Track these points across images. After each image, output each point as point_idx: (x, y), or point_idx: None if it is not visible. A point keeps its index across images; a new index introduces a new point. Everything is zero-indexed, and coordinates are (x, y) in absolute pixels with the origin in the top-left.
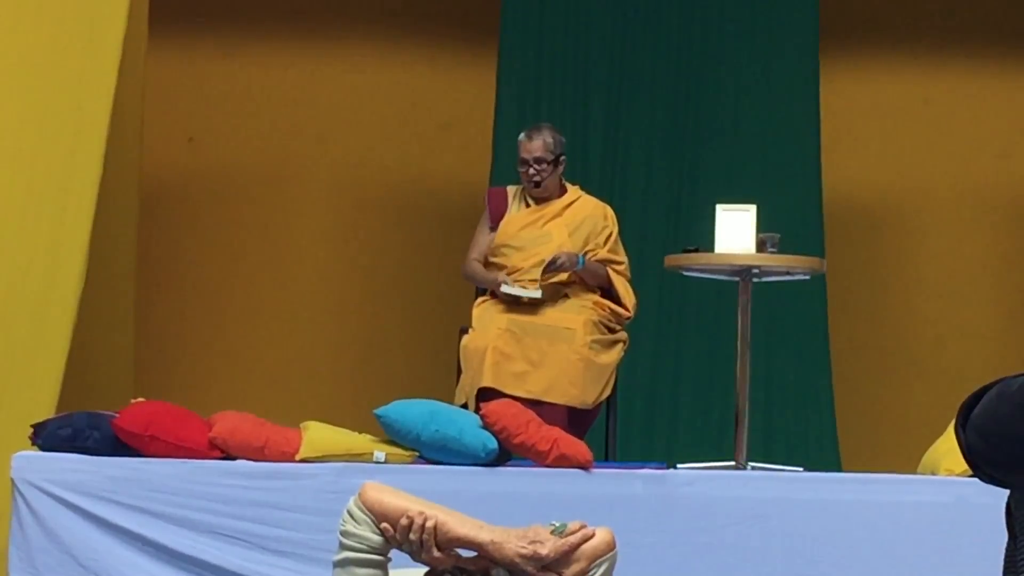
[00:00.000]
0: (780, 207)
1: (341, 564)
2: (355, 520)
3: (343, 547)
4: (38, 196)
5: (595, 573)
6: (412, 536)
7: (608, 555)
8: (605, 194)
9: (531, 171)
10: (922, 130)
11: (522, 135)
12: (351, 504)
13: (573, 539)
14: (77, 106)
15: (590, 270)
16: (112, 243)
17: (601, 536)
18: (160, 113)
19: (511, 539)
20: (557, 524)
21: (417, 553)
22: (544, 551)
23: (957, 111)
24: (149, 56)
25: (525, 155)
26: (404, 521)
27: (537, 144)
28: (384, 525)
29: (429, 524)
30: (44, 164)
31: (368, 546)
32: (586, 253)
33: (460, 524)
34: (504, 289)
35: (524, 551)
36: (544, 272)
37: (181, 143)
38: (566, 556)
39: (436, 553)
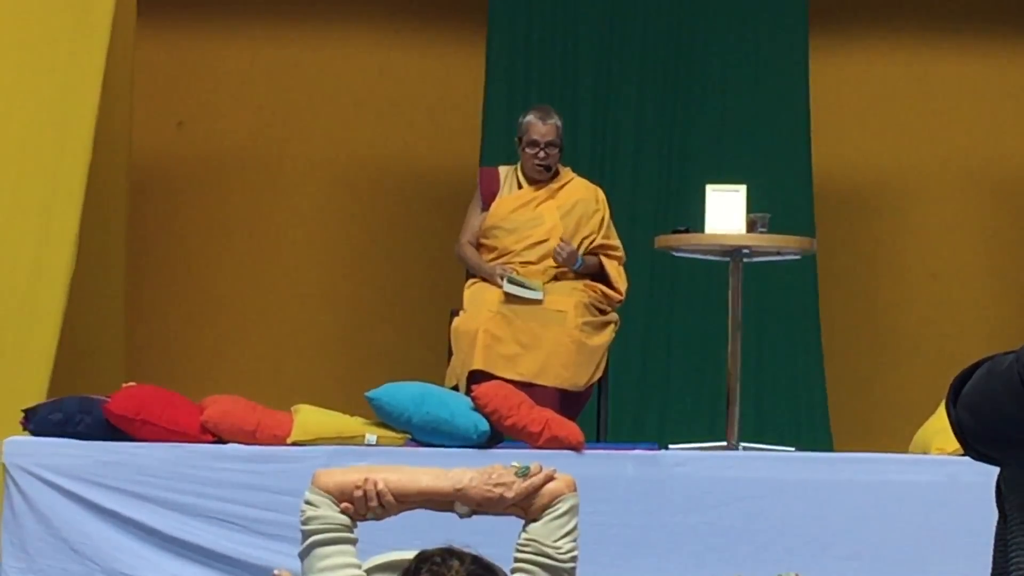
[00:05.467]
0: (770, 187)
1: (305, 551)
2: (314, 505)
3: (306, 535)
4: (27, 181)
5: (560, 507)
6: (371, 504)
7: (569, 493)
8: (595, 175)
9: (542, 154)
10: (912, 109)
11: (531, 116)
12: (307, 494)
13: (536, 480)
14: (66, 91)
15: (586, 266)
16: (102, 227)
17: (562, 477)
18: (149, 98)
19: (476, 484)
20: (519, 465)
21: (381, 516)
22: (510, 495)
23: (947, 90)
24: (138, 40)
25: (537, 137)
26: (358, 493)
27: (550, 127)
28: (344, 505)
29: (380, 487)
30: (33, 149)
31: (333, 524)
32: (582, 242)
33: (416, 479)
34: (507, 288)
35: (491, 495)
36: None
37: (171, 127)
38: (530, 496)
39: (398, 508)
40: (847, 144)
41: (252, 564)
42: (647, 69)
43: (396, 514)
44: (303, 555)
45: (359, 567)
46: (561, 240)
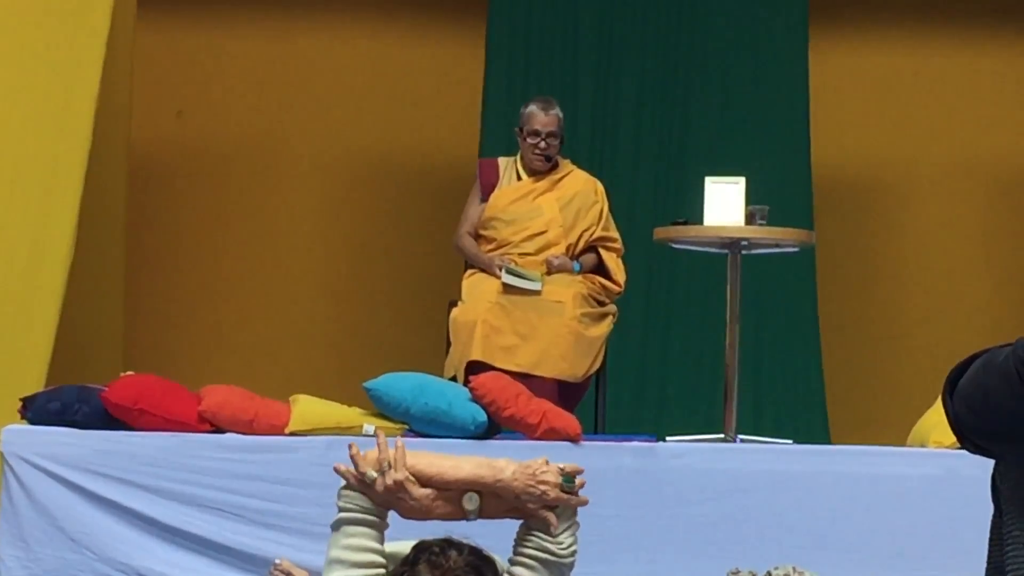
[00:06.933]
0: (769, 179)
1: (334, 526)
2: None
3: (338, 510)
4: (27, 170)
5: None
6: (389, 482)
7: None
8: (594, 167)
9: (543, 144)
10: (911, 102)
11: (533, 106)
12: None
13: (573, 501)
14: (65, 79)
15: (585, 267)
16: (101, 217)
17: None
18: (149, 87)
19: (518, 477)
20: (565, 473)
21: (389, 489)
22: (551, 495)
23: (946, 83)
24: (138, 30)
25: (538, 127)
26: (371, 454)
27: (552, 118)
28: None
29: (400, 442)
30: (33, 138)
31: (361, 505)
32: (581, 235)
33: (456, 467)
34: (505, 279)
35: (533, 490)
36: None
37: (170, 117)
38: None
39: (417, 491)
40: (846, 137)
41: (249, 553)
42: (647, 61)
43: (408, 486)
44: (332, 528)
45: (380, 553)
46: (551, 256)
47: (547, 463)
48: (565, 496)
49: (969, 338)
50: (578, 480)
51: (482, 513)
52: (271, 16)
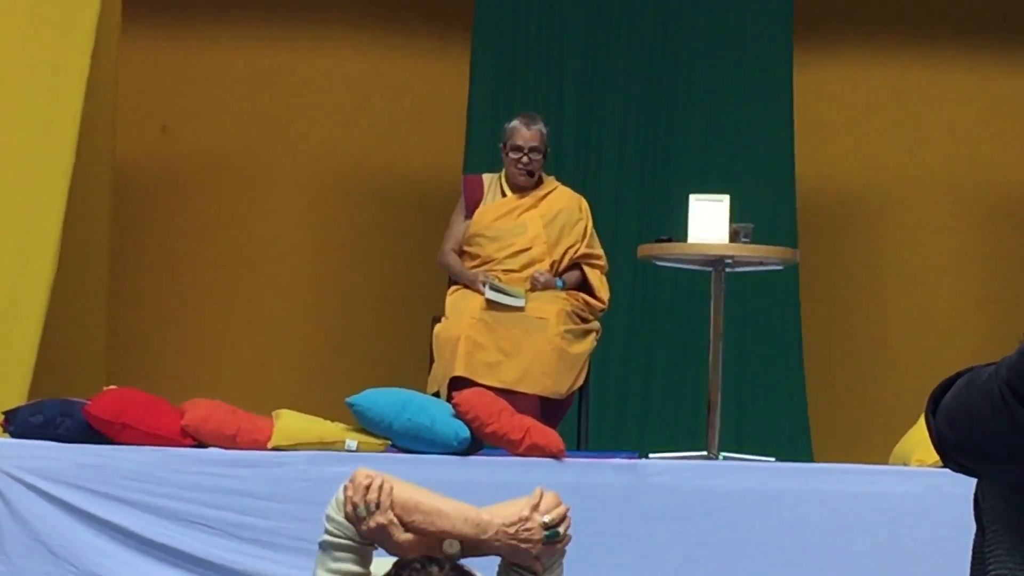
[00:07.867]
0: (754, 197)
1: (322, 547)
2: (335, 505)
3: (325, 531)
4: (10, 183)
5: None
6: (370, 496)
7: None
8: (579, 184)
9: (525, 159)
10: (895, 121)
11: (516, 122)
12: (337, 491)
13: (555, 551)
14: (50, 93)
15: (569, 284)
16: (85, 231)
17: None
18: (134, 101)
19: (501, 538)
20: (549, 524)
21: (378, 527)
22: (535, 551)
23: (929, 103)
24: (122, 43)
25: (520, 142)
26: (364, 480)
27: (535, 133)
28: (347, 508)
29: (383, 482)
30: (16, 151)
31: (342, 532)
32: (566, 251)
33: (440, 516)
34: (489, 295)
35: (517, 549)
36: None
37: (155, 131)
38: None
39: (400, 536)
40: (830, 155)
41: (231, 569)
42: (632, 79)
43: (392, 529)
44: (320, 548)
45: (363, 575)
46: (536, 273)
47: (535, 509)
48: (550, 550)
49: (952, 356)
50: (562, 528)
51: (464, 555)
52: (256, 31)
